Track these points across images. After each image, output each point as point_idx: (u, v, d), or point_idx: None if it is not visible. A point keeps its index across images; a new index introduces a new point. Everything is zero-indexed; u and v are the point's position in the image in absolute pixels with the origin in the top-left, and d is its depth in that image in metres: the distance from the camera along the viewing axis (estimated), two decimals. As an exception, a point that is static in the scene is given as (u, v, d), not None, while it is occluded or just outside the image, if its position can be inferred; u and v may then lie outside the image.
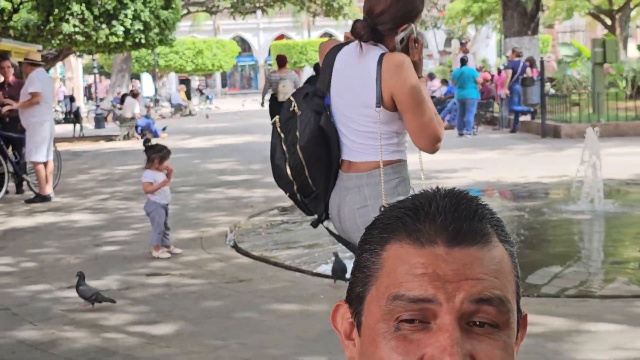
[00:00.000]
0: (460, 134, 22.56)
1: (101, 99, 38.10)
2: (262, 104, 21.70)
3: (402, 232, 1.02)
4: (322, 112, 4.41)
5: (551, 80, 25.05)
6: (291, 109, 4.48)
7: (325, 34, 69.35)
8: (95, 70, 42.82)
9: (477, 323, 0.96)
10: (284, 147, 4.46)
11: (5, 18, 22.20)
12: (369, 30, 4.30)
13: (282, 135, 4.48)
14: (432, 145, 4.40)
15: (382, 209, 4.10)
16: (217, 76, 73.52)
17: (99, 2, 23.79)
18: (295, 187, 4.49)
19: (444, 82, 29.83)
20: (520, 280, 1.06)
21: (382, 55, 4.32)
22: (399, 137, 4.44)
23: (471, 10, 41.55)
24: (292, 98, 4.61)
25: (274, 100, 20.40)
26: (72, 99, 31.87)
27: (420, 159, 4.49)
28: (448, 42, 68.02)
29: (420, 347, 0.95)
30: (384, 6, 4.39)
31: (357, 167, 4.45)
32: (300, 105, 4.45)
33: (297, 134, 4.39)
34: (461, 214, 1.02)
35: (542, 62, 23.68)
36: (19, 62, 14.84)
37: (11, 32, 22.04)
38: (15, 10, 22.27)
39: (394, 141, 4.41)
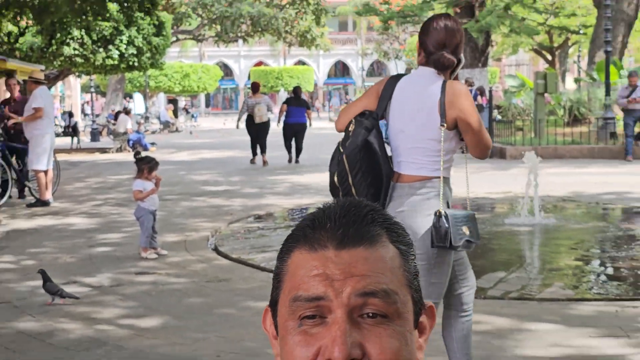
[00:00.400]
0: None
1: (97, 115, 37.90)
2: (237, 126, 21.94)
3: (301, 241, 1.06)
4: (372, 130, 4.51)
5: (498, 107, 25.37)
6: (350, 128, 4.56)
7: (299, 62, 69.41)
8: (92, 89, 42.54)
9: (370, 315, 0.99)
10: (338, 159, 4.55)
11: (12, 40, 22.12)
12: (453, 62, 4.50)
13: (341, 149, 4.56)
14: (485, 153, 4.69)
15: (437, 213, 4.52)
16: (202, 97, 73.11)
17: (97, 28, 23.76)
18: (340, 193, 4.56)
19: None
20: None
21: (444, 83, 4.47)
22: (445, 156, 4.49)
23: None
24: (352, 119, 4.61)
25: (250, 120, 20.61)
26: (70, 114, 31.69)
27: (466, 174, 4.79)
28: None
29: (318, 339, 0.98)
30: (458, 40, 4.59)
31: (403, 179, 4.53)
32: (355, 123, 4.54)
33: (346, 145, 4.53)
34: (349, 220, 1.05)
35: (490, 92, 23.97)
36: (24, 80, 14.79)
37: (17, 53, 21.93)
38: (22, 34, 22.22)
39: (438, 159, 4.49)
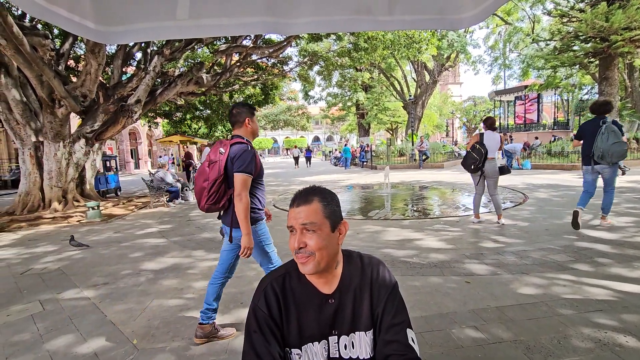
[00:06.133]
0: (346, 167, 21.55)
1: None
2: (293, 157, 24.55)
3: (291, 203, 1.07)
4: (479, 145, 4.90)
5: (373, 151, 25.24)
6: (477, 147, 4.88)
7: (301, 136, 68.22)
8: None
9: (307, 229, 1.01)
10: (475, 155, 4.88)
11: (195, 131, 22.10)
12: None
13: (473, 154, 4.92)
14: None
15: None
16: (266, 150, 72.52)
17: (227, 126, 23.77)
18: (474, 167, 4.93)
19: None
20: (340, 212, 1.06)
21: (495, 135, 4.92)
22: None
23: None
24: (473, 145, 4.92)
25: (293, 156, 22.59)
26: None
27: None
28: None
29: (293, 238, 1.03)
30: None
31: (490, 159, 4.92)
32: (472, 146, 4.97)
33: (474, 152, 4.91)
34: (303, 193, 1.06)
35: (370, 145, 23.71)
36: (201, 145, 14.89)
37: (197, 135, 21.97)
38: (199, 128, 22.21)
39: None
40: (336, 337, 1.05)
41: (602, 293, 2.78)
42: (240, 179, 2.09)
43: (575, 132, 25.81)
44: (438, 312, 2.59)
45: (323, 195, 1.04)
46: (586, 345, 2.11)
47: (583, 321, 2.37)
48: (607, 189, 4.54)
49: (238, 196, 2.09)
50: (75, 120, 16.84)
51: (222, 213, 2.30)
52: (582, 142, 4.49)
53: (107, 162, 11.95)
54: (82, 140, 8.88)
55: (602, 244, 4.03)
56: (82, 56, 10.96)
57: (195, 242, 5.08)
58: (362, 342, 1.05)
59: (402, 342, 1.01)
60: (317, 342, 1.04)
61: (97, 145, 9.63)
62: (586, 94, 27.88)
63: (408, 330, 1.03)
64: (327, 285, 1.06)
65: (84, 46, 10.49)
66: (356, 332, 1.05)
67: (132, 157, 29.66)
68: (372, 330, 1.06)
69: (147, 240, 5.33)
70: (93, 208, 7.39)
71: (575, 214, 4.55)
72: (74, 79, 9.56)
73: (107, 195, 11.55)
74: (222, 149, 2.16)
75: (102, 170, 11.44)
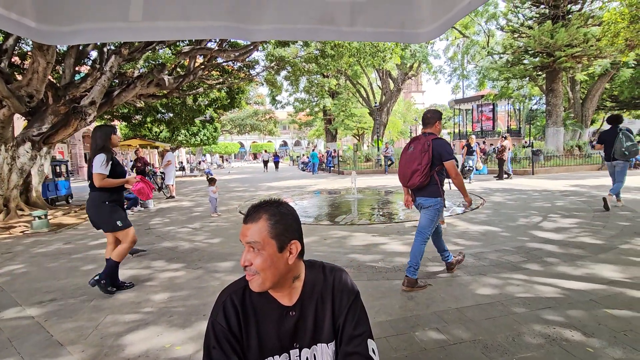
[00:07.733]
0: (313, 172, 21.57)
1: (193, 163, 36.38)
2: (262, 162, 23.84)
3: (244, 217, 1.03)
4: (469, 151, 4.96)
5: (340, 155, 25.50)
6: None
7: (269, 141, 67.71)
8: (190, 153, 40.90)
9: (253, 249, 0.98)
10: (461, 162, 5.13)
11: (156, 135, 21.20)
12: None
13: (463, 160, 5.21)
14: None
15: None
16: (232, 155, 71.15)
17: (190, 129, 23.06)
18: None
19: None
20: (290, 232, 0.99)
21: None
22: None
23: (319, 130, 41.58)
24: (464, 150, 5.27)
25: (263, 160, 23.10)
26: (181, 163, 30.35)
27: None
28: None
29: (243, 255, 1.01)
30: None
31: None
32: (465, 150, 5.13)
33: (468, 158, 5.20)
34: (253, 209, 1.02)
35: (337, 151, 23.82)
36: (164, 149, 14.31)
37: (159, 140, 21.07)
38: (160, 132, 21.35)
39: None
40: (297, 350, 1.03)
41: (551, 291, 2.95)
42: (451, 165, 2.93)
43: (527, 139, 27.64)
44: (403, 315, 2.65)
45: (273, 213, 1.00)
46: (537, 342, 2.22)
47: (534, 318, 2.51)
48: (617, 179, 5.87)
49: (456, 175, 2.94)
50: (20, 122, 15.52)
51: (417, 191, 3.07)
52: (603, 145, 5.83)
53: (57, 167, 11.12)
54: (28, 144, 8.19)
55: (550, 244, 4.29)
56: (28, 53, 10.15)
57: (155, 252, 4.87)
58: (323, 354, 1.03)
59: (363, 353, 1.00)
60: (277, 356, 1.02)
61: (45, 149, 8.93)
62: (535, 104, 30.10)
63: (369, 340, 1.03)
64: (287, 298, 1.04)
65: (30, 42, 9.73)
66: (318, 344, 1.04)
67: (85, 162, 27.81)
68: (333, 341, 1.05)
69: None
70: (39, 217, 6.85)
71: (605, 200, 5.90)
72: (19, 77, 8.81)
73: (57, 203, 10.74)
74: (428, 142, 2.93)
75: (51, 176, 10.62)
